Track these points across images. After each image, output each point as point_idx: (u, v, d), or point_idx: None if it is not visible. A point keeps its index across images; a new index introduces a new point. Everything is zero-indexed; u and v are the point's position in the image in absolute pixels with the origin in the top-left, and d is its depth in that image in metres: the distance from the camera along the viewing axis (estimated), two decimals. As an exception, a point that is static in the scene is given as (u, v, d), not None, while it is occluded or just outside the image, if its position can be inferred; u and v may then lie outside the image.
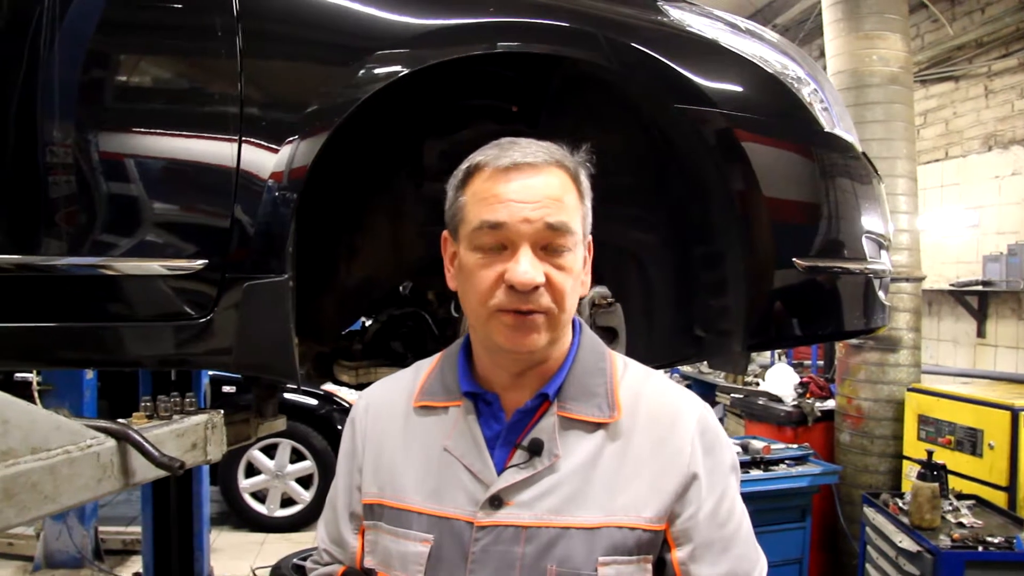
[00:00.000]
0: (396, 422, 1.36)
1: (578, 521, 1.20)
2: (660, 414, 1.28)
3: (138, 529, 5.37)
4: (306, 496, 6.53)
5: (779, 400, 6.10)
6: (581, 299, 2.02)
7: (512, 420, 1.28)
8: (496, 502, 1.22)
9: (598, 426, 1.26)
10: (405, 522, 1.27)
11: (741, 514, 1.31)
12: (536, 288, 1.18)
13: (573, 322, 1.35)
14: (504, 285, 1.19)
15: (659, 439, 1.26)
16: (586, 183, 1.30)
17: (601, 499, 1.22)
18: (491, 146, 1.27)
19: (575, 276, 1.24)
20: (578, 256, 1.25)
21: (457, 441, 1.28)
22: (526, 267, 1.18)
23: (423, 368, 1.42)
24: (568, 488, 1.22)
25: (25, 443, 1.36)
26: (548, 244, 1.21)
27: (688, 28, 1.99)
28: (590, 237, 1.32)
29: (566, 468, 1.23)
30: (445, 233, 1.32)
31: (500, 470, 1.24)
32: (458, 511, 1.24)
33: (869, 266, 2.18)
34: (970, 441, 4.76)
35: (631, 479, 1.23)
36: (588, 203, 1.30)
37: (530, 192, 1.20)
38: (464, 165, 1.28)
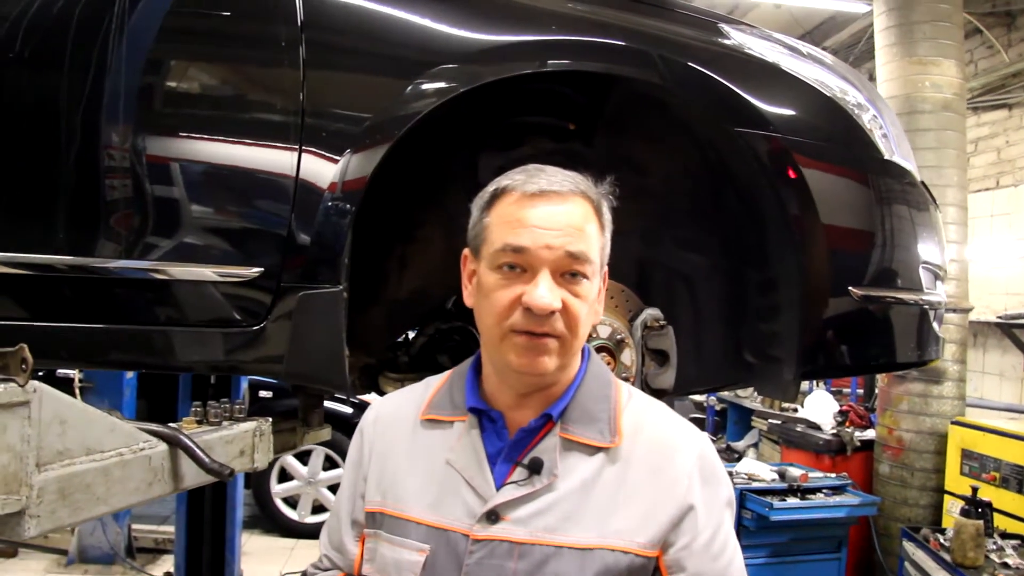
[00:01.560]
0: (403, 433, 1.38)
1: (571, 541, 1.21)
2: (660, 443, 1.30)
3: (170, 528, 5.43)
4: (337, 504, 6.52)
5: (818, 428, 6.02)
6: (632, 320, 2.01)
7: (515, 438, 1.29)
8: (493, 517, 1.24)
9: (598, 450, 1.28)
10: (403, 531, 1.28)
11: (734, 549, 1.30)
12: (552, 313, 1.21)
13: (582, 348, 1.37)
14: (521, 307, 1.22)
15: (657, 467, 1.27)
16: (607, 215, 1.32)
17: (596, 521, 1.23)
18: (519, 171, 1.30)
19: (590, 304, 1.27)
20: (594, 285, 1.28)
21: (459, 455, 1.30)
22: (544, 292, 1.21)
23: (433, 383, 1.44)
24: (564, 508, 1.23)
25: (81, 444, 1.37)
26: (567, 271, 1.24)
27: (748, 50, 1.98)
28: (607, 268, 1.35)
29: (564, 488, 1.25)
30: (466, 251, 1.35)
31: (499, 486, 1.26)
32: (455, 523, 1.25)
33: (924, 297, 2.14)
34: (1016, 479, 4.65)
35: (627, 504, 1.24)
36: (608, 235, 1.33)
37: (553, 220, 1.24)
38: (491, 187, 1.31)
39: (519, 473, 1.26)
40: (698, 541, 1.24)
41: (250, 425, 1.84)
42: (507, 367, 1.27)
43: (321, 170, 1.70)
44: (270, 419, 1.92)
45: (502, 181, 1.30)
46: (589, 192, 1.29)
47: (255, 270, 1.71)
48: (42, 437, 1.28)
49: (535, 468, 1.25)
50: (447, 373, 1.44)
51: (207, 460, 1.58)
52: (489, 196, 1.31)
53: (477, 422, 1.32)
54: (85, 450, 1.38)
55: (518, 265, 1.23)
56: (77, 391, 4.62)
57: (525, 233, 1.23)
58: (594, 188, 1.31)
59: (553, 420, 1.29)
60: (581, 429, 1.29)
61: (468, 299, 1.35)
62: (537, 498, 1.24)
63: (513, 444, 1.29)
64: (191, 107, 1.80)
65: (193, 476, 1.63)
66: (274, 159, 1.71)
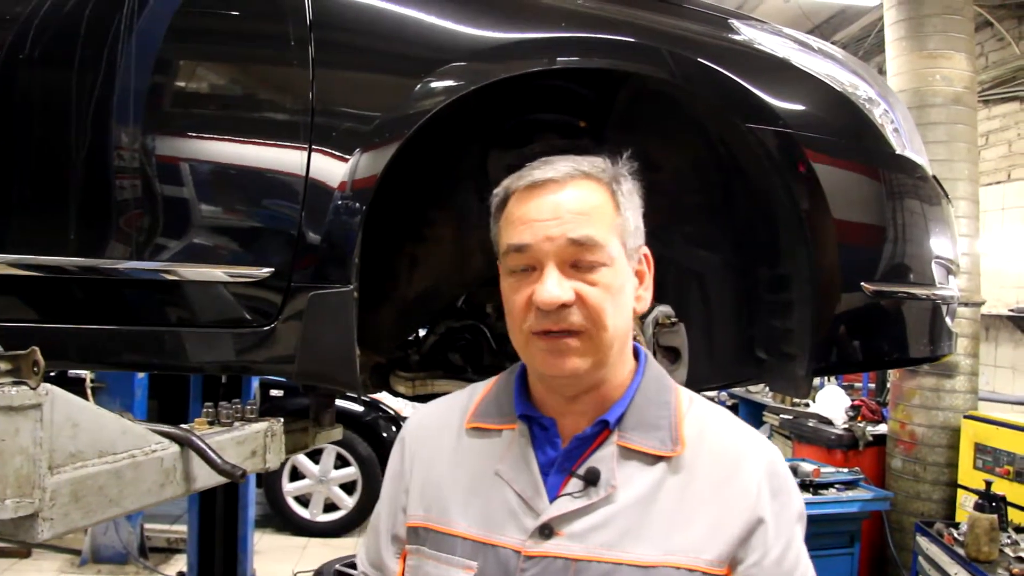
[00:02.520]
0: (447, 443, 1.31)
1: (632, 558, 1.13)
2: (725, 452, 1.21)
3: (183, 527, 5.46)
4: (349, 502, 6.55)
5: (829, 423, 5.99)
6: (644, 317, 2.00)
7: (569, 447, 1.22)
8: (546, 531, 1.16)
9: (659, 459, 1.20)
10: (448, 547, 1.22)
11: (807, 567, 1.22)
12: (565, 307, 1.14)
13: (638, 352, 1.31)
14: (534, 307, 1.16)
15: (723, 478, 1.19)
16: (626, 192, 1.24)
17: (658, 536, 1.15)
18: (524, 168, 1.25)
19: (614, 292, 1.18)
20: (618, 271, 1.19)
21: (509, 465, 1.23)
22: (550, 286, 1.14)
23: (479, 390, 1.38)
24: (624, 522, 1.15)
25: (93, 446, 1.36)
26: (576, 260, 1.16)
27: (758, 46, 1.96)
28: (646, 250, 1.28)
29: (623, 500, 1.17)
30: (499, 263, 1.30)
31: (553, 498, 1.19)
32: (505, 538, 1.18)
33: (937, 291, 2.13)
34: (1031, 473, 4.62)
35: (691, 517, 1.16)
36: (630, 213, 1.24)
37: (551, 209, 1.17)
38: (497, 191, 1.27)
39: (574, 484, 1.18)
40: (769, 557, 1.16)
41: (262, 426, 1.84)
42: (537, 372, 1.23)
43: (331, 169, 1.70)
44: (282, 419, 1.91)
45: (505, 182, 1.25)
46: (596, 173, 1.22)
47: (265, 270, 1.71)
48: (54, 440, 1.27)
49: (591, 479, 1.17)
50: (492, 379, 1.38)
51: (219, 461, 1.57)
52: (497, 201, 1.26)
53: (528, 430, 1.25)
54: (97, 452, 1.37)
55: (527, 265, 1.18)
56: (89, 392, 4.65)
57: (525, 230, 1.17)
58: (606, 168, 1.24)
59: (609, 427, 1.21)
60: (640, 437, 1.21)
61: None
62: (594, 511, 1.16)
63: (567, 453, 1.21)
64: (201, 107, 1.79)
65: (205, 477, 1.62)
66: (284, 159, 1.71)
